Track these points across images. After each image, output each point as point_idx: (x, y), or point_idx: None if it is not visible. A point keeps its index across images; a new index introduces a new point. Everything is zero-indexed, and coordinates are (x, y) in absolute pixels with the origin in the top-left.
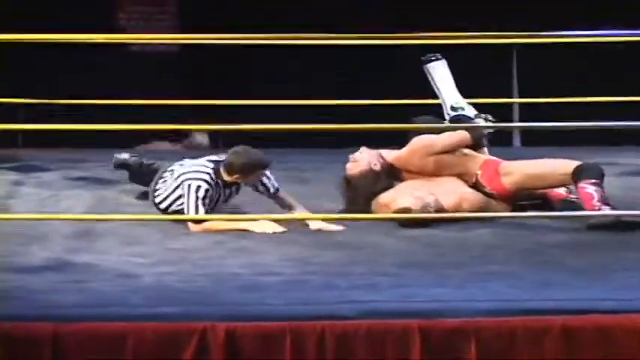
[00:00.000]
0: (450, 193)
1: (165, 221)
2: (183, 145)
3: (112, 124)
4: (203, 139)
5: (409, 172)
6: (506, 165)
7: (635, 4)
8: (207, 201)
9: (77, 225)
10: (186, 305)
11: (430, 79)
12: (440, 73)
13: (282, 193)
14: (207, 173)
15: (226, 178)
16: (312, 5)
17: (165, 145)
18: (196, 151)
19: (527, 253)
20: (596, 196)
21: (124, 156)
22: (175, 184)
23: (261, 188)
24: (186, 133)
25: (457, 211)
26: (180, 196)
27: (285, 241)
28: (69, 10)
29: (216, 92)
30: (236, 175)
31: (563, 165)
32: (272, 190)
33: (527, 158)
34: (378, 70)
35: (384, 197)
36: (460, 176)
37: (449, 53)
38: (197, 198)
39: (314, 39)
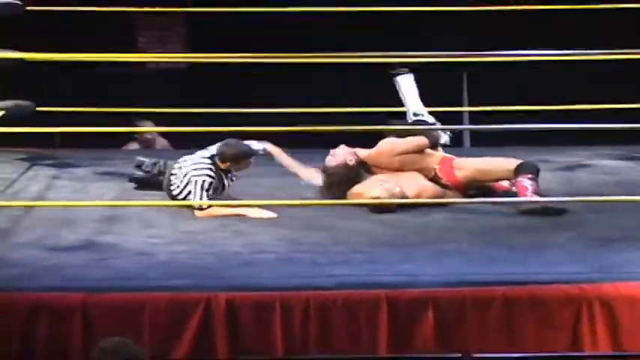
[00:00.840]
0: (413, 185)
1: (177, 207)
2: (144, 145)
3: (134, 128)
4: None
5: (378, 167)
6: (459, 161)
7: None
8: (210, 192)
9: (103, 211)
10: (194, 278)
11: (398, 89)
12: (406, 84)
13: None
14: (209, 168)
15: (220, 165)
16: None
17: (134, 145)
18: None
19: (475, 234)
20: (530, 188)
21: (139, 173)
22: (186, 180)
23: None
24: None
25: (418, 198)
26: (190, 191)
27: (278, 224)
28: (100, 35)
29: (219, 101)
30: (227, 163)
31: (506, 162)
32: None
33: (476, 156)
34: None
35: (358, 188)
36: (421, 171)
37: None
38: (202, 189)
39: (300, 58)
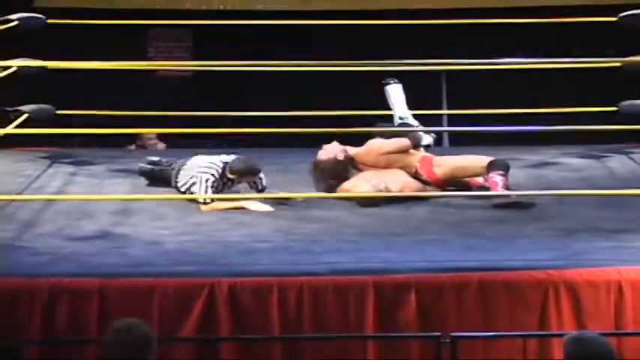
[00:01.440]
0: (396, 181)
1: (183, 201)
2: (140, 146)
3: (143, 129)
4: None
5: (365, 164)
6: (438, 159)
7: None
8: (213, 189)
9: (117, 204)
10: (199, 265)
11: (387, 96)
12: (395, 92)
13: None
14: (216, 170)
15: (228, 175)
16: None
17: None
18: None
19: (453, 225)
20: (500, 183)
21: (147, 167)
22: (191, 174)
23: (252, 185)
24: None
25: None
26: (194, 183)
27: (275, 216)
28: (114, 46)
29: (221, 106)
30: (234, 175)
31: (480, 159)
32: (260, 188)
33: (454, 155)
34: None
35: (347, 185)
36: (403, 168)
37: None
38: (206, 186)
39: (291, 65)
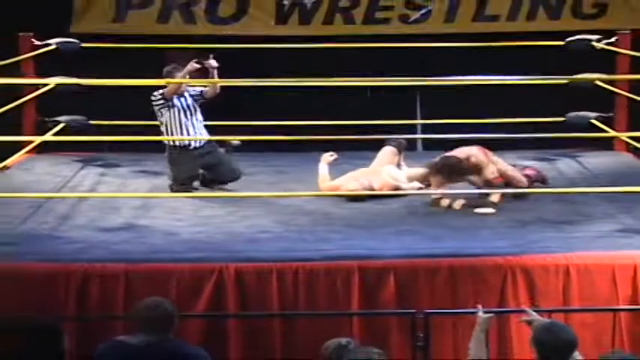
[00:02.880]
0: (377, 180)
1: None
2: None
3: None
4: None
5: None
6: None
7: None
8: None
9: (139, 200)
10: (210, 252)
11: None
12: None
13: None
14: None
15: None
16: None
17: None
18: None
19: (426, 218)
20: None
21: None
22: None
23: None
24: None
25: (381, 190)
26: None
27: (274, 211)
28: (137, 65)
29: (228, 116)
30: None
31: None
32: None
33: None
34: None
35: (337, 181)
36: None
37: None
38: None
39: (291, 82)
